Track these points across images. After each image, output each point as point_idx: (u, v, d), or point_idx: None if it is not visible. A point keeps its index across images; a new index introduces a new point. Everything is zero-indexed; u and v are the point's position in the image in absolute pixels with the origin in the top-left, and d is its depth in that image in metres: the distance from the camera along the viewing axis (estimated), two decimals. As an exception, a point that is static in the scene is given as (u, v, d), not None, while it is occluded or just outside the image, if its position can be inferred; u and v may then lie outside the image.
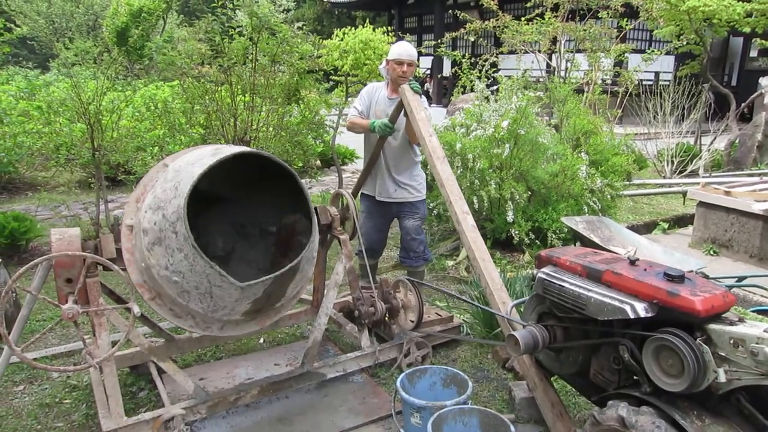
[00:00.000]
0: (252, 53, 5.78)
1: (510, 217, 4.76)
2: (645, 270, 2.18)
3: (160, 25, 13.26)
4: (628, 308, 2.02)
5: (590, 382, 2.37)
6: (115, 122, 7.47)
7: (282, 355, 3.62)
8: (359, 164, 10.54)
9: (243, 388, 2.95)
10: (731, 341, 1.82)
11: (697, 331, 1.91)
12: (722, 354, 1.85)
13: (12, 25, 8.00)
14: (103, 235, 2.80)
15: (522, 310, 2.80)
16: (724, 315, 1.96)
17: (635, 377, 2.16)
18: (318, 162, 10.02)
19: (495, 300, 2.91)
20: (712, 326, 1.89)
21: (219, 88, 5.86)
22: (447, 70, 21.65)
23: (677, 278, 2.03)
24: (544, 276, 2.42)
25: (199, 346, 3.53)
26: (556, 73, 8.54)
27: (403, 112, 3.78)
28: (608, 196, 5.34)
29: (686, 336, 1.89)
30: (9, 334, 2.47)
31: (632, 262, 2.25)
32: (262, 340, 3.84)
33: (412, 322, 3.49)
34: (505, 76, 6.58)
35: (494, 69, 7.78)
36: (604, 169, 5.52)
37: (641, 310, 2.00)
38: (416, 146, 4.13)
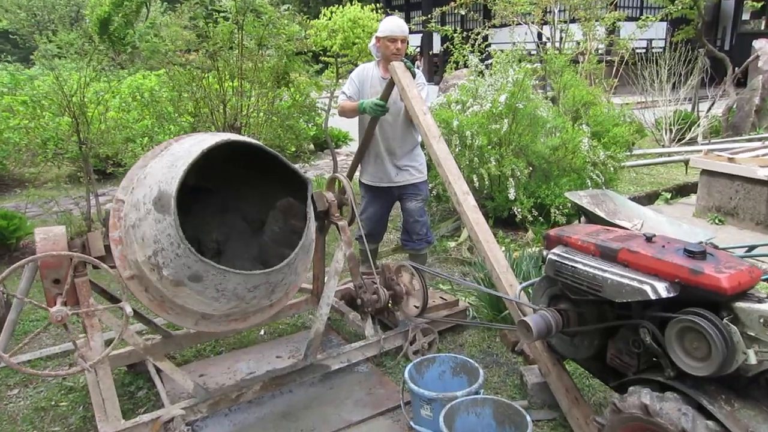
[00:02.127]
0: (238, 37, 5.59)
1: (512, 195, 4.64)
2: (663, 247, 2.06)
3: (143, 13, 12.97)
4: (648, 289, 1.91)
5: (607, 367, 2.27)
6: (102, 114, 7.30)
7: (284, 346, 3.51)
8: (353, 146, 10.36)
9: (245, 384, 2.85)
10: (761, 320, 1.71)
11: (723, 310, 1.80)
12: (751, 334, 1.74)
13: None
14: (91, 232, 2.67)
15: (530, 292, 2.70)
16: (750, 292, 1.85)
17: (656, 360, 2.06)
18: (311, 146, 9.85)
19: (502, 283, 2.80)
20: (740, 304, 1.78)
21: (206, 75, 5.68)
22: (437, 47, 21.35)
23: (699, 254, 1.91)
24: (555, 257, 2.31)
25: (198, 341, 3.42)
26: (550, 44, 8.34)
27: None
28: (611, 169, 5.22)
29: (713, 316, 1.78)
30: (-4, 341, 2.36)
31: (648, 239, 2.13)
32: (262, 332, 3.74)
33: (417, 308, 3.38)
34: (498, 50, 6.41)
35: (486, 43, 7.60)
36: (606, 140, 5.38)
37: (662, 290, 1.89)
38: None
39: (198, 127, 5.81)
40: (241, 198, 3.21)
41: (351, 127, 10.35)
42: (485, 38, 7.82)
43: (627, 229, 3.87)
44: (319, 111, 6.51)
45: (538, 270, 3.46)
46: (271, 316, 3.09)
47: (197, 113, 5.81)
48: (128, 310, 2.40)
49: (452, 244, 4.93)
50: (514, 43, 6.28)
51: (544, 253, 2.43)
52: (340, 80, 6.61)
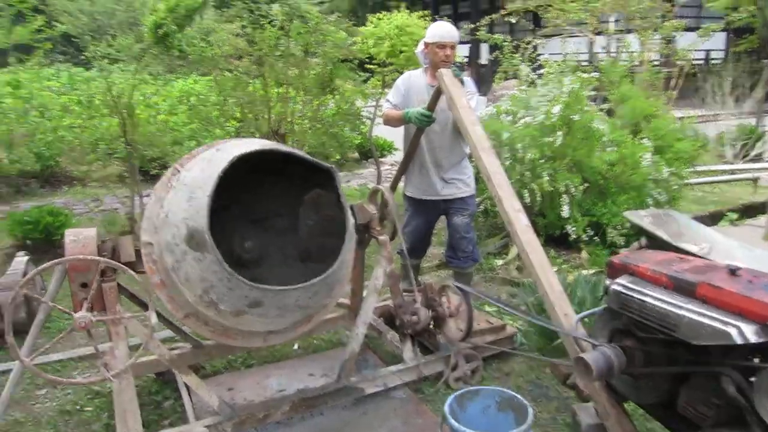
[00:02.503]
0: (284, 43, 5.52)
1: (565, 212, 4.35)
2: (750, 282, 1.78)
3: (197, 21, 13.21)
4: (733, 332, 1.64)
5: (678, 416, 1.99)
6: (153, 116, 7.38)
7: (317, 364, 3.34)
8: (398, 156, 10.19)
9: (273, 404, 2.69)
10: None
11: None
12: None
13: (56, 22, 7.98)
14: (122, 236, 2.56)
15: (587, 321, 2.45)
16: None
17: (739, 414, 1.77)
18: (356, 154, 9.74)
19: (556, 312, 2.54)
20: None
21: (252, 80, 5.63)
22: (485, 58, 21.03)
23: (796, 294, 1.63)
24: (619, 288, 2.05)
25: (230, 352, 3.29)
26: (604, 54, 7.98)
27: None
28: (674, 186, 4.86)
29: (817, 371, 1.49)
30: (20, 339, 2.26)
31: (732, 272, 1.85)
32: (296, 346, 3.57)
33: (461, 331, 3.15)
34: (550, 60, 6.12)
35: (536, 53, 7.31)
36: (670, 156, 5.02)
37: (751, 334, 1.62)
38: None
39: (242, 133, 5.76)
40: (263, 200, 3.08)
41: (396, 136, 10.19)
42: (535, 48, 7.53)
43: (693, 254, 3.55)
44: (364, 119, 6.37)
45: (594, 296, 3.18)
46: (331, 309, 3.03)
47: (243, 119, 5.76)
48: (153, 320, 2.27)
49: (500, 262, 4.67)
50: (565, 54, 5.98)
51: (607, 282, 2.17)
52: (386, 89, 6.44)
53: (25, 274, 3.63)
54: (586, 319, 2.49)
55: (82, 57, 5.35)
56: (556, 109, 4.46)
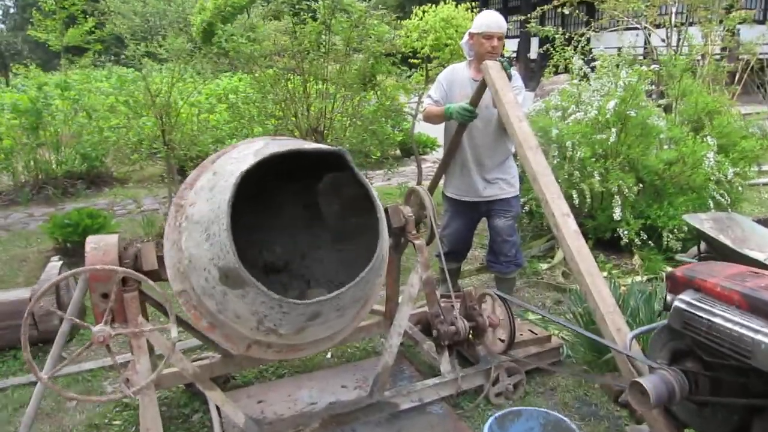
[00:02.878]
0: (326, 38, 5.39)
1: (617, 215, 4.05)
2: (843, 304, 1.52)
3: (244, 18, 13.36)
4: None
5: (753, 453, 1.74)
6: (195, 115, 7.39)
7: (350, 374, 3.18)
8: (441, 153, 9.97)
9: (302, 421, 2.55)
10: None
11: None
12: None
13: (106, 24, 8.13)
14: (145, 242, 2.47)
15: (639, 336, 2.20)
16: None
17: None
18: (397, 152, 9.56)
19: (608, 327, 2.31)
20: None
21: (291, 77, 5.53)
22: (534, 52, 20.47)
23: None
24: (683, 306, 1.81)
25: (261, 362, 3.17)
26: (664, 46, 7.52)
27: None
28: (738, 188, 4.48)
29: None
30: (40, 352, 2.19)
31: (820, 292, 1.59)
32: (329, 355, 3.43)
33: (502, 342, 2.94)
34: (605, 53, 5.76)
35: (590, 47, 6.94)
36: (735, 155, 4.63)
37: None
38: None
39: (280, 130, 5.67)
40: (279, 196, 2.96)
41: (440, 132, 9.97)
42: (588, 40, 7.16)
43: (760, 262, 3.22)
44: (406, 116, 6.19)
45: (649, 308, 2.91)
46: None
47: (282, 116, 5.66)
48: (174, 333, 2.16)
49: (544, 266, 4.41)
50: (619, 48, 5.61)
51: (668, 297, 1.93)
52: (430, 84, 6.24)
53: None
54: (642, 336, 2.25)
55: (130, 57, 5.35)
56: (611, 104, 4.16)
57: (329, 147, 2.26)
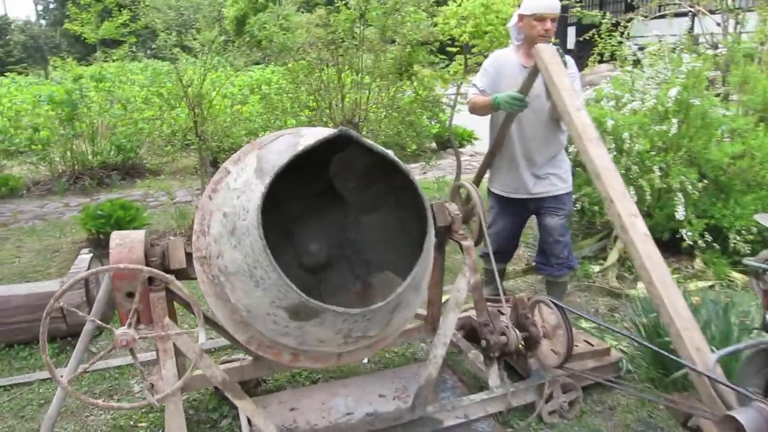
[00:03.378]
0: (360, 27, 5.17)
1: (680, 214, 3.72)
2: None
3: (276, 8, 13.30)
4: None
5: None
6: (228, 107, 7.28)
7: (388, 382, 2.96)
8: (478, 147, 9.64)
9: (337, 435, 2.35)
10: None
11: None
12: None
13: (145, 17, 8.11)
14: (173, 238, 2.29)
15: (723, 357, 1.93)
16: None
17: None
18: (433, 144, 9.29)
19: (685, 345, 2.03)
20: None
21: (326, 67, 5.33)
22: (571, 42, 19.82)
23: None
24: (792, 327, 1.53)
25: (294, 366, 2.97)
26: (723, 34, 7.04)
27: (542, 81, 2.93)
28: (813, 185, 4.09)
29: None
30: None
31: None
32: (366, 360, 3.22)
33: (557, 354, 2.68)
34: (657, 39, 5.38)
35: (631, 35, 6.53)
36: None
37: None
38: (562, 124, 3.28)
39: (314, 122, 5.48)
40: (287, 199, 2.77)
41: (476, 124, 9.63)
42: (631, 26, 6.74)
43: None
44: (444, 107, 5.93)
45: (724, 322, 2.61)
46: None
47: (315, 107, 5.47)
48: (201, 338, 1.97)
49: (596, 268, 4.10)
50: (660, 36, 5.21)
51: (767, 316, 1.66)
52: (469, 74, 5.95)
53: (87, 269, 3.48)
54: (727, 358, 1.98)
55: (161, 47, 5.24)
56: (673, 91, 3.81)
57: (330, 131, 2.05)
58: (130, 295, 2.12)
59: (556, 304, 2.60)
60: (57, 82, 9.63)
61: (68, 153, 7.83)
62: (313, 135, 2.04)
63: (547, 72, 2.71)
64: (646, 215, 4.11)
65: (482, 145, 9.34)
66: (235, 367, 2.72)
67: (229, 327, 2.07)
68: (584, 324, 3.37)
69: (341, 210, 2.77)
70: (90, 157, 7.95)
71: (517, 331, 2.56)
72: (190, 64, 5.98)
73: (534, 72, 2.90)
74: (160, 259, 2.20)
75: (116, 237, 2.17)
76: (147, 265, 2.15)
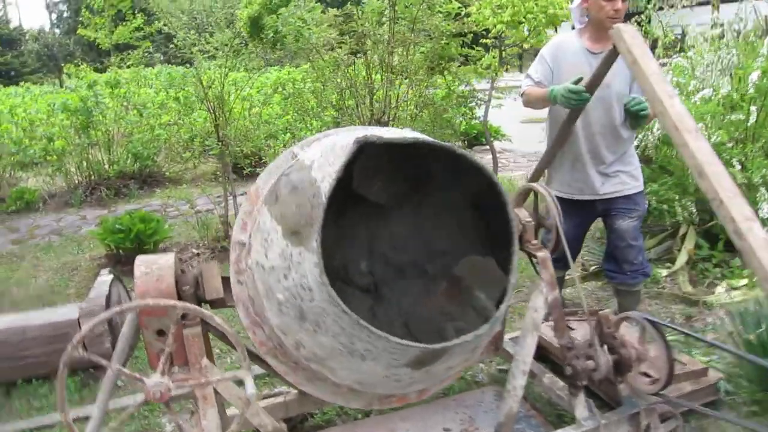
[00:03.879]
0: (389, 17, 4.83)
1: (765, 211, 3.33)
2: None
3: (290, 9, 13.05)
4: None
5: None
6: (248, 110, 6.97)
7: (452, 413, 2.61)
8: (506, 144, 9.25)
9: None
10: None
11: None
12: None
13: (158, 22, 7.87)
14: (206, 263, 1.96)
15: None
16: None
17: None
18: (459, 143, 8.93)
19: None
20: None
21: (353, 62, 5.01)
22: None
23: None
24: None
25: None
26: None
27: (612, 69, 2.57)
28: None
29: None
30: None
31: None
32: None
33: (646, 376, 2.32)
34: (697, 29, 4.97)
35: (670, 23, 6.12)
36: None
37: None
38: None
39: (341, 122, 5.16)
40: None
41: (503, 120, 9.17)
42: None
43: None
44: (479, 102, 5.57)
45: None
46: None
47: (341, 107, 5.15)
48: (250, 388, 1.64)
49: (663, 272, 3.71)
50: (712, 24, 4.79)
51: None
52: (503, 68, 5.58)
53: (109, 296, 3.18)
54: None
55: (180, 47, 4.93)
56: (753, 76, 3.42)
57: (344, 150, 1.67)
58: (161, 333, 1.80)
59: (650, 321, 2.24)
60: (71, 90, 9.42)
61: (84, 163, 7.59)
62: (326, 168, 1.65)
63: (631, 55, 2.33)
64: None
65: (508, 142, 8.95)
66: (278, 402, 2.40)
67: (335, 399, 1.82)
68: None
69: (361, 217, 2.44)
70: (106, 166, 7.70)
71: (608, 355, 2.20)
72: (208, 66, 5.70)
73: (610, 58, 2.53)
74: (193, 287, 1.88)
75: (141, 264, 1.85)
76: (179, 296, 1.83)
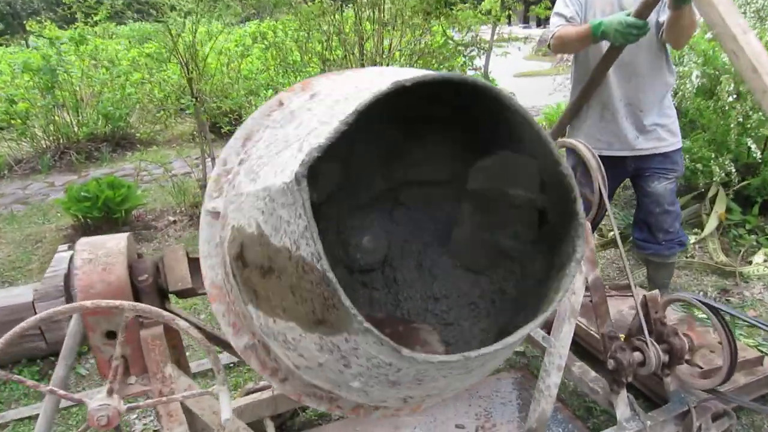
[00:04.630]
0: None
1: None
2: None
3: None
4: None
5: None
6: (225, 65, 6.43)
7: (465, 405, 2.28)
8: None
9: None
10: None
11: None
12: None
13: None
14: (171, 247, 1.55)
15: None
16: None
17: None
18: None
19: None
20: None
21: (341, 5, 4.50)
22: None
23: None
24: None
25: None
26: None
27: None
28: None
29: None
30: None
31: None
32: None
33: (698, 368, 1.99)
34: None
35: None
36: None
37: None
38: (670, 60, 2.51)
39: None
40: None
41: (494, 74, 8.66)
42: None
43: None
44: (479, 52, 5.09)
45: None
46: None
47: (327, 57, 4.66)
48: (225, 412, 1.25)
49: (691, 239, 3.35)
50: None
51: None
52: (507, 12, 5.10)
53: (68, 275, 2.75)
54: None
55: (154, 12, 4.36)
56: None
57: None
58: (112, 335, 1.41)
59: (707, 305, 1.88)
60: (33, 48, 8.75)
61: (51, 126, 7.02)
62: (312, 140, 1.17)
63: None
64: (751, 173, 3.35)
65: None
66: (265, 398, 2.03)
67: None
68: (699, 314, 2.66)
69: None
70: (75, 129, 7.14)
71: (657, 346, 1.85)
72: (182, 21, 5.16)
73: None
74: (152, 276, 1.47)
75: (84, 248, 1.43)
76: (134, 289, 1.43)
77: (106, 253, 1.42)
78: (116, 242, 1.46)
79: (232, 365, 2.66)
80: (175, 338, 1.71)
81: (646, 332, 1.84)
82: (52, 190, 6.01)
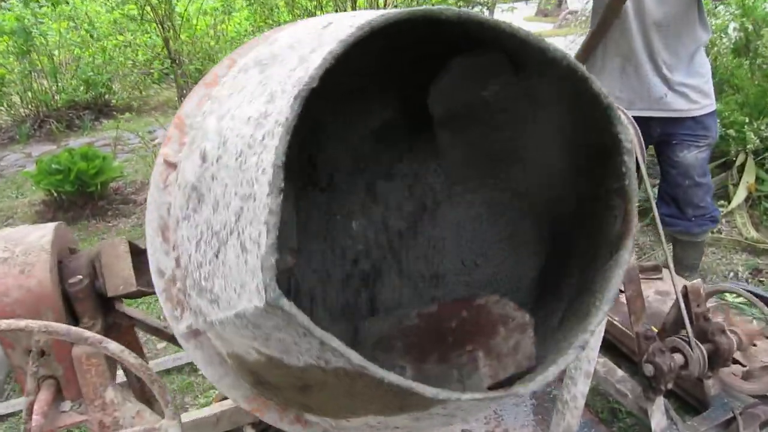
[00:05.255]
0: None
1: None
2: None
3: None
4: None
5: None
6: (210, 26, 6.01)
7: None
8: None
9: None
10: None
11: None
12: None
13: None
14: (109, 240, 1.25)
15: None
16: None
17: None
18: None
19: None
20: None
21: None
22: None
23: None
24: None
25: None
26: None
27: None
28: None
29: None
30: None
31: None
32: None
33: (743, 366, 1.72)
34: None
35: None
36: None
37: None
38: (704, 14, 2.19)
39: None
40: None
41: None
42: None
43: None
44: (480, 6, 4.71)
45: None
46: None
47: (317, 14, 4.28)
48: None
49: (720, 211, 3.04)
50: None
51: None
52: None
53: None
54: None
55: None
56: None
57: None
58: (41, 353, 1.12)
59: (759, 296, 1.60)
60: (5, 9, 8.27)
61: (29, 93, 6.64)
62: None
63: None
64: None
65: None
66: (235, 407, 1.76)
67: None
68: (728, 297, 2.39)
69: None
70: (54, 96, 6.75)
71: (701, 346, 1.57)
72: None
73: None
74: (88, 278, 1.17)
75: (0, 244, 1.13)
76: (64, 295, 1.14)
77: (24, 250, 1.13)
78: (40, 235, 1.16)
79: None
80: (129, 333, 1.44)
81: (690, 332, 1.55)
82: (29, 161, 5.66)
